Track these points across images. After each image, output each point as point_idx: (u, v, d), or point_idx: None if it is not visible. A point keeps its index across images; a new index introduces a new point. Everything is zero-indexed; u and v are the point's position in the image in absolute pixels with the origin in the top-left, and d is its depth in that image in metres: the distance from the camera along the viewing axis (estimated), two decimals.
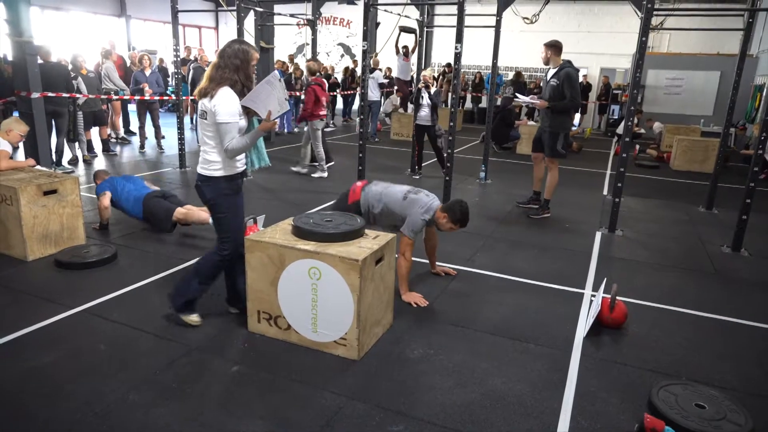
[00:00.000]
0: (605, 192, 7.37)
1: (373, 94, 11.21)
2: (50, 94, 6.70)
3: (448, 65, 15.16)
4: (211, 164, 2.95)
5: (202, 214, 4.68)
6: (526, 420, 2.45)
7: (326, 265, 2.80)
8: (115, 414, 2.37)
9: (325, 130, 8.14)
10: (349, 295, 2.78)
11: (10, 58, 6.57)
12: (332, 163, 8.16)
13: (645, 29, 4.92)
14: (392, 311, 3.29)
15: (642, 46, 4.94)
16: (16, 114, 6.53)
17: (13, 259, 4.15)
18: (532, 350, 3.08)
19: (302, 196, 6.48)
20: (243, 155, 3.05)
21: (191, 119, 12.30)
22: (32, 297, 3.51)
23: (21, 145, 4.88)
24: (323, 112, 7.60)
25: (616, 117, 14.17)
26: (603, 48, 15.33)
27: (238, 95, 2.88)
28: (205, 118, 2.88)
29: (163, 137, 9.53)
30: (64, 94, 7.17)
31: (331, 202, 6.11)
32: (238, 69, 2.87)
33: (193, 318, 3.16)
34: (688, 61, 13.16)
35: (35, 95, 6.13)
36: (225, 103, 2.81)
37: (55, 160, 7.22)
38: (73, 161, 7.77)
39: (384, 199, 3.74)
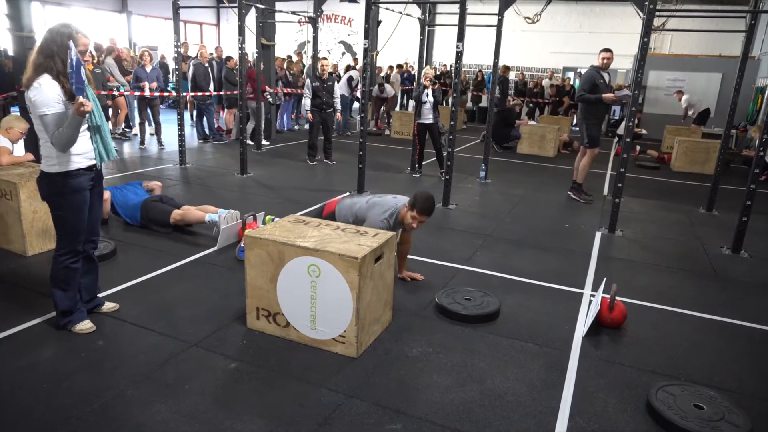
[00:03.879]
0: (605, 192, 7.37)
1: (342, 89, 12.03)
2: None
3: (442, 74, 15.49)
4: (47, 160, 2.78)
5: (198, 213, 4.68)
6: (525, 419, 2.45)
7: (326, 262, 2.79)
8: (113, 410, 2.37)
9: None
10: (348, 292, 2.77)
11: (11, 53, 6.56)
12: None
13: (647, 30, 4.91)
14: (391, 309, 3.28)
15: (643, 46, 4.94)
16: (15, 110, 6.53)
17: (12, 254, 4.14)
18: (530, 350, 3.08)
19: (302, 194, 6.47)
20: (90, 148, 2.84)
21: (191, 116, 12.30)
22: (31, 292, 3.51)
23: (21, 141, 4.89)
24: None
25: (617, 117, 14.16)
26: None
27: (58, 82, 2.65)
28: (32, 112, 2.69)
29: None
30: None
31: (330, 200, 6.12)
32: (54, 55, 2.65)
33: (82, 326, 2.99)
34: (689, 63, 13.15)
35: None
36: (41, 93, 2.62)
37: None
38: None
39: (354, 208, 3.68)
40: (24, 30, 5.91)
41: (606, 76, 6.41)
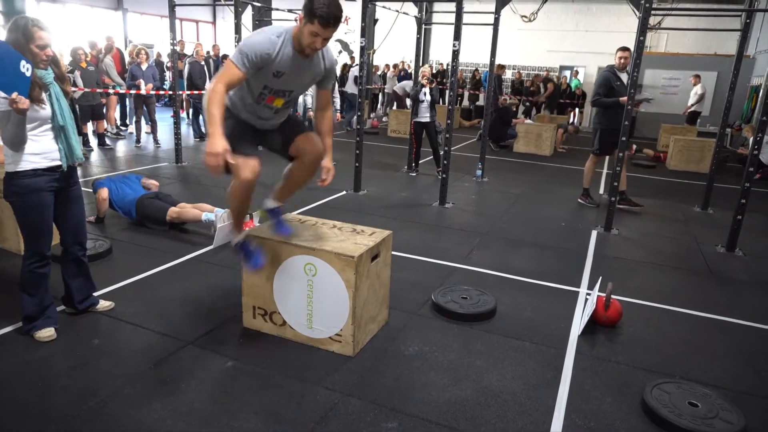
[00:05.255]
0: (601, 191, 7.39)
1: (350, 88, 12.27)
2: None
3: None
4: (6, 158, 2.69)
5: (195, 211, 4.67)
6: (521, 417, 2.46)
7: (322, 261, 2.79)
8: (109, 408, 2.37)
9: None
10: (345, 291, 2.77)
11: None
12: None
13: (643, 29, 4.92)
14: (387, 308, 3.29)
15: (639, 45, 4.95)
16: None
17: (7, 253, 4.13)
18: (526, 348, 3.09)
19: (298, 193, 6.44)
20: (52, 149, 2.73)
21: (187, 114, 12.27)
22: None
23: None
24: None
25: None
26: (601, 47, 15.34)
27: None
28: None
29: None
30: None
31: (327, 199, 6.14)
32: None
33: (42, 333, 2.88)
34: (685, 61, 13.19)
35: None
36: None
37: None
38: None
39: None
40: None
41: (624, 76, 5.85)
